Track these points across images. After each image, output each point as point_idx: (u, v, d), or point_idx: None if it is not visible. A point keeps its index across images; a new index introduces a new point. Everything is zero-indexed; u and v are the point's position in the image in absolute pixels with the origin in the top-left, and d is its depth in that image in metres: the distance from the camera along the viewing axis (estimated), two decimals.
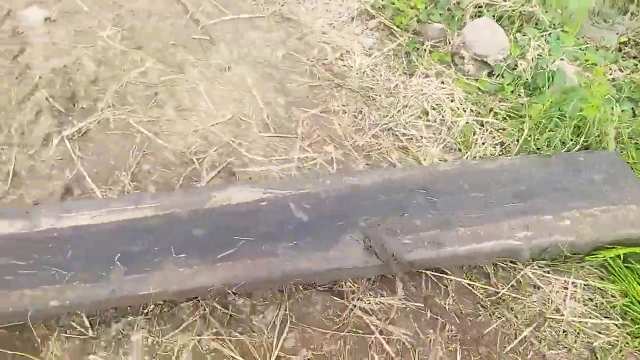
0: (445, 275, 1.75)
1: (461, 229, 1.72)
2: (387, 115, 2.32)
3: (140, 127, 2.14)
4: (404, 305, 1.67)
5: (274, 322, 1.58)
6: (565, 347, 1.61)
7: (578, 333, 1.64)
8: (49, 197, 1.89)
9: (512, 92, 2.42)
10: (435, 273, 1.74)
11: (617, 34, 2.86)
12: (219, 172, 2.04)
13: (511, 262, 1.80)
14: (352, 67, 2.54)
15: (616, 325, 1.67)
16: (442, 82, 2.48)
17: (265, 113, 2.28)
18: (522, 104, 2.35)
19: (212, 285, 1.52)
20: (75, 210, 1.65)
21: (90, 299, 1.45)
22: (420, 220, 1.72)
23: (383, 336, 1.59)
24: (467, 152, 2.17)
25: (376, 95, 2.41)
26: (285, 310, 1.62)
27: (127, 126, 2.14)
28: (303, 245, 1.61)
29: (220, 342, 1.53)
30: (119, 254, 1.53)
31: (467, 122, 2.29)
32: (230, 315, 1.58)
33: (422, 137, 2.25)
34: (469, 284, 1.75)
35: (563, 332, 1.65)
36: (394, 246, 1.62)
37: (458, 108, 2.35)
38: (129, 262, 1.51)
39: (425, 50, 2.59)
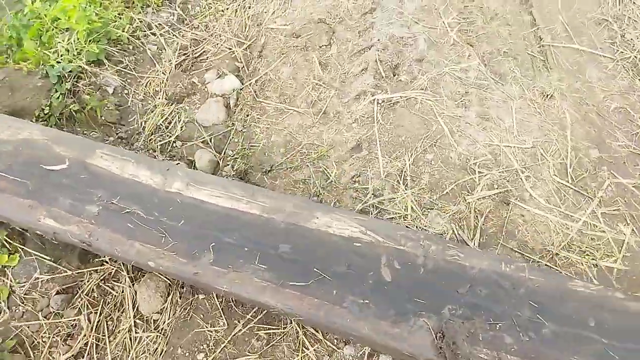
0: None
1: None
2: None
3: (440, 119, 2.48)
4: None
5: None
6: None
7: None
8: (342, 144, 2.44)
9: None
10: None
11: None
12: (494, 194, 2.24)
13: None
14: None
15: None
16: None
17: (569, 158, 2.34)
18: None
19: (275, 308, 1.72)
20: (201, 184, 1.99)
21: (177, 273, 1.81)
22: (512, 338, 1.57)
23: None
24: None
25: None
26: None
27: (429, 112, 2.52)
28: (373, 307, 1.65)
29: None
30: (213, 243, 1.82)
31: None
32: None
33: None
34: None
35: None
36: (466, 356, 1.52)
37: None
38: (218, 252, 1.80)
39: None
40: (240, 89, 2.81)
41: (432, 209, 2.12)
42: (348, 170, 2.30)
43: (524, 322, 1.61)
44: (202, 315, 2.03)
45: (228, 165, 2.48)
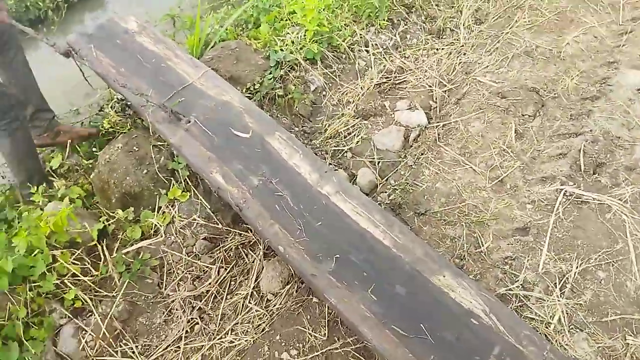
0: None
1: None
2: None
3: (630, 240, 2.25)
4: None
5: None
6: None
7: None
8: (508, 220, 2.37)
9: None
10: None
11: None
12: None
13: None
14: None
15: None
16: None
17: None
18: None
19: (369, 342, 1.76)
20: (349, 196, 2.13)
21: (298, 267, 1.97)
22: None
23: None
24: None
25: None
26: None
27: (619, 227, 2.28)
28: None
29: None
30: (338, 255, 1.93)
31: None
32: None
33: None
34: None
35: None
36: None
37: None
38: (340, 265, 1.91)
39: None
40: (425, 127, 2.92)
41: (582, 330, 1.95)
42: (504, 248, 2.24)
43: None
44: (308, 317, 2.18)
45: (385, 192, 2.61)
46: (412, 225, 2.43)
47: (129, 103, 2.65)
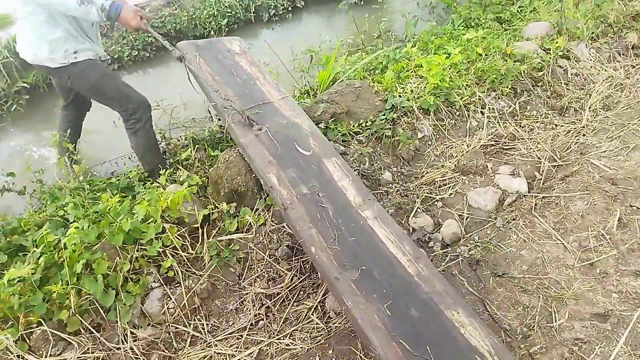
0: None
1: None
2: None
3: None
4: None
5: None
6: None
7: None
8: (588, 303, 2.36)
9: None
10: None
11: None
12: None
13: None
14: None
15: None
16: None
17: None
18: None
19: (374, 350, 1.88)
20: (385, 224, 2.42)
21: (324, 269, 2.22)
22: None
23: None
24: None
25: None
26: None
27: None
28: None
29: None
30: (364, 268, 2.19)
31: None
32: None
33: None
34: None
35: None
36: None
37: None
38: (363, 277, 2.16)
39: None
40: (524, 195, 3.02)
41: None
42: (578, 329, 2.26)
43: None
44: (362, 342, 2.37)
45: (467, 247, 2.75)
46: (486, 284, 2.53)
47: (213, 104, 3.13)
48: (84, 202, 2.89)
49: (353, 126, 3.34)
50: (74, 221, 2.69)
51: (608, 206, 2.78)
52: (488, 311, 2.40)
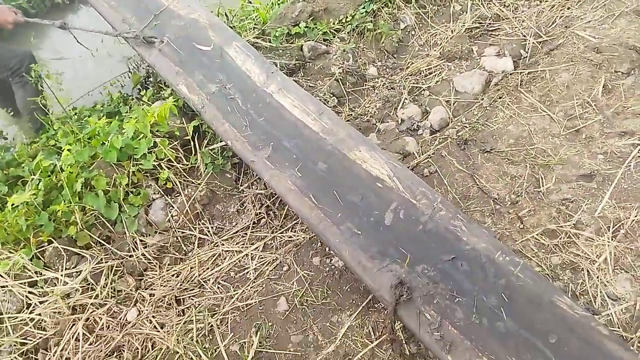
0: None
1: None
2: None
3: None
4: None
5: None
6: None
7: None
8: (574, 166, 2.45)
9: None
10: None
11: None
12: None
13: None
14: None
15: None
16: None
17: None
18: None
19: (293, 208, 2.25)
20: (288, 92, 2.53)
21: (242, 156, 2.63)
22: (464, 315, 1.74)
23: None
24: None
25: None
26: None
27: None
28: (362, 239, 2.01)
29: None
30: (273, 143, 2.44)
31: None
32: None
33: None
34: None
35: None
36: (414, 309, 1.77)
37: None
38: (274, 151, 2.37)
39: None
40: (509, 74, 3.01)
41: (627, 272, 2.05)
42: (565, 191, 2.35)
43: (485, 307, 1.75)
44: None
45: (454, 129, 2.79)
46: (475, 161, 2.59)
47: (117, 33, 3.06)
48: (72, 129, 2.89)
49: (333, 23, 3.25)
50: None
51: (593, 74, 2.79)
52: (477, 184, 2.48)
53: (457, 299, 1.78)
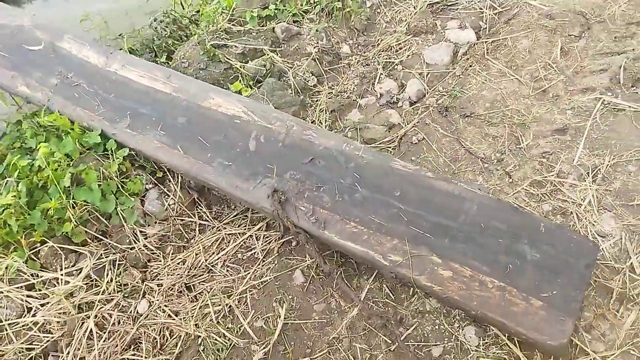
0: None
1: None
2: None
3: None
4: None
5: None
6: None
7: None
8: (548, 122, 2.66)
9: None
10: None
11: None
12: None
13: None
14: None
15: None
16: None
17: None
18: None
19: (165, 163, 2.58)
20: (133, 66, 2.74)
21: (104, 132, 2.57)
22: (329, 198, 2.18)
23: None
24: None
25: None
26: None
27: None
28: (234, 168, 2.33)
29: None
30: (130, 112, 2.65)
31: None
32: None
33: None
34: None
35: None
36: (291, 206, 2.18)
37: None
38: (133, 119, 2.57)
39: None
40: (474, 44, 3.20)
41: (610, 211, 2.27)
42: (543, 145, 2.55)
43: (343, 187, 2.18)
44: None
45: (434, 97, 2.93)
46: (457, 126, 2.75)
47: None
48: (43, 123, 2.72)
49: (302, 5, 3.28)
50: (37, 146, 2.55)
51: (550, 39, 3.03)
52: (464, 147, 2.63)
53: (322, 188, 2.20)
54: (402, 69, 3.16)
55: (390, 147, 2.70)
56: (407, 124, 2.78)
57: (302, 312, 2.16)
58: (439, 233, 2.00)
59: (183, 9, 4.08)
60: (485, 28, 3.28)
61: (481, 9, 3.38)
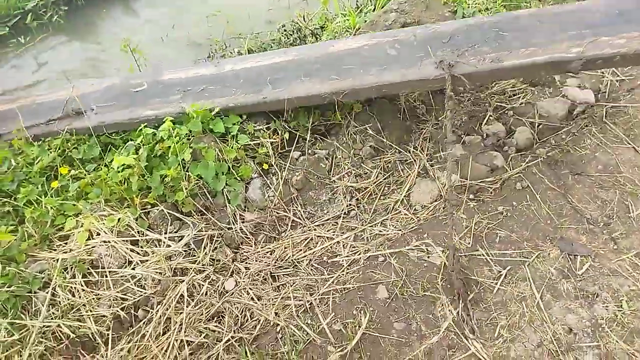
0: None
1: None
2: None
3: None
4: None
5: None
6: None
7: None
8: None
9: None
10: None
11: None
12: None
13: None
14: None
15: None
16: None
17: None
18: None
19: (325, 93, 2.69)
20: (245, 60, 3.01)
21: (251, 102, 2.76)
22: (487, 47, 2.62)
23: None
24: None
25: None
26: None
27: None
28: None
29: None
30: (269, 77, 2.84)
31: None
32: None
33: None
34: None
35: None
36: (459, 65, 2.57)
37: None
38: (274, 83, 2.80)
39: None
40: (592, 106, 3.14)
41: None
42: None
43: (492, 39, 2.67)
44: (455, 228, 2.55)
45: (544, 149, 2.89)
46: (566, 181, 2.69)
47: None
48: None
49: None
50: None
51: None
52: (570, 203, 2.56)
53: (476, 45, 2.78)
54: (513, 114, 3.14)
55: (491, 188, 2.68)
56: (512, 169, 2.75)
57: (382, 326, 2.17)
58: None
59: (304, 21, 4.30)
60: (605, 92, 3.20)
61: (602, 72, 3.31)
